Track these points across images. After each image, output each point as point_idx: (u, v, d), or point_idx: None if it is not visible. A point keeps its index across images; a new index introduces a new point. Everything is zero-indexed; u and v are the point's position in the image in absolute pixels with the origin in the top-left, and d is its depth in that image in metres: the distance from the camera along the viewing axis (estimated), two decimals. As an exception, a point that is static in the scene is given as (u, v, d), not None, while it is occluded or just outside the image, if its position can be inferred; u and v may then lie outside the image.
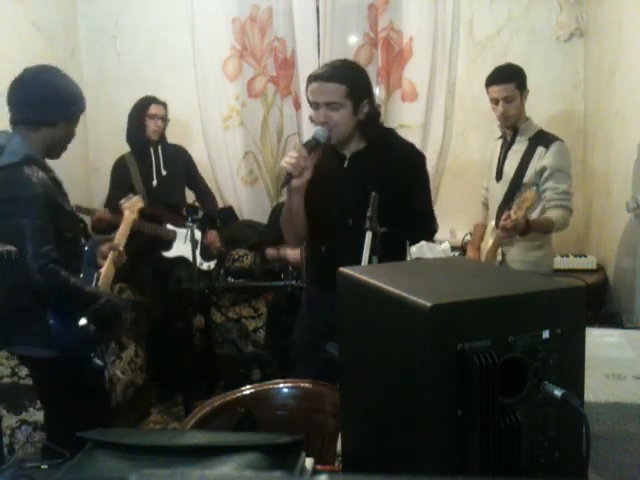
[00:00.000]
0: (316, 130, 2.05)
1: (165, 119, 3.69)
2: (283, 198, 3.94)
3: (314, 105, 2.05)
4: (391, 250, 1.86)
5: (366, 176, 2.07)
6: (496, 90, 2.79)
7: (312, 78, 2.05)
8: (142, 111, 3.63)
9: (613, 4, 3.32)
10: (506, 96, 2.76)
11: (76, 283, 2.00)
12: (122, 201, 2.81)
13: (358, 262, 2.00)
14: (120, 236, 2.51)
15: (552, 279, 2.53)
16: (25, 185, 1.90)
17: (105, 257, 2.29)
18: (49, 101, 2.00)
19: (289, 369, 2.47)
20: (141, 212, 2.91)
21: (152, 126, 3.63)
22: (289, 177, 1.98)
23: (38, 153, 2.01)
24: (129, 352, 3.39)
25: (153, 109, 3.63)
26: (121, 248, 2.37)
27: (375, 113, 2.12)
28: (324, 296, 2.20)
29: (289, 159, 1.98)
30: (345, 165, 2.14)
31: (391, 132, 2.25)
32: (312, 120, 2.12)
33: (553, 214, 2.67)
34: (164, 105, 3.68)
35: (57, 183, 2.05)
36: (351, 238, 2.09)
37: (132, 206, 2.79)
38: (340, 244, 2.09)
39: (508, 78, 2.77)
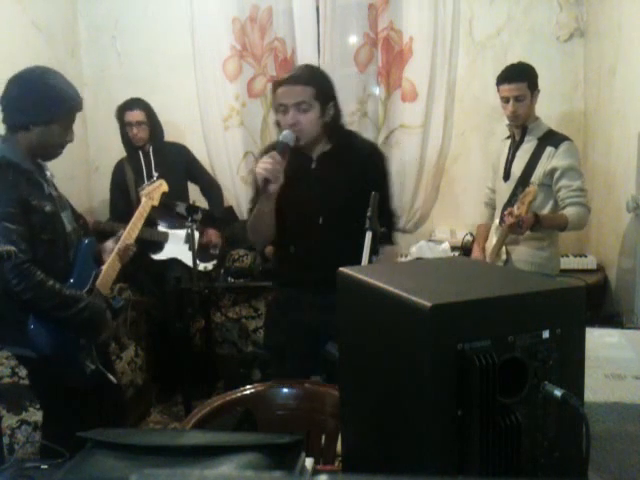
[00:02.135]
0: (284, 134, 2.08)
1: (146, 123, 3.60)
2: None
3: (282, 108, 2.11)
4: (356, 247, 1.95)
5: (334, 176, 2.17)
6: (507, 89, 2.77)
7: (279, 83, 2.13)
8: (120, 119, 3.62)
9: (613, 4, 3.31)
10: (517, 95, 2.74)
11: (53, 285, 1.96)
12: (141, 187, 2.70)
13: (329, 260, 2.08)
14: (132, 226, 2.40)
15: (552, 279, 2.52)
16: None
17: (110, 253, 2.26)
18: (20, 105, 1.98)
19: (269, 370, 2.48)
20: (164, 197, 2.74)
21: (130, 133, 3.61)
22: (266, 183, 2.01)
23: (20, 155, 2.00)
24: (129, 352, 3.39)
25: (127, 116, 3.59)
26: (129, 240, 2.31)
27: (339, 116, 2.21)
28: (298, 296, 2.24)
29: (265, 165, 2.01)
30: (313, 166, 2.20)
31: (353, 133, 2.33)
32: (278, 125, 2.18)
33: (568, 211, 2.63)
34: (143, 108, 3.60)
35: (37, 185, 2.03)
36: (321, 236, 2.19)
37: (152, 192, 2.63)
38: (310, 243, 2.16)
39: (520, 77, 2.75)
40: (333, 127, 2.17)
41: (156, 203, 2.66)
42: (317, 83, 2.12)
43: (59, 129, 2.04)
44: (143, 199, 2.60)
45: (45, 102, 1.99)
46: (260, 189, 2.05)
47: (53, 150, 2.09)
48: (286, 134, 2.08)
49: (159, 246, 3.64)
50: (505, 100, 2.80)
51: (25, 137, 2.01)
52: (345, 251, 2.18)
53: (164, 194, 2.75)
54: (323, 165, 2.19)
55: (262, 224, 2.17)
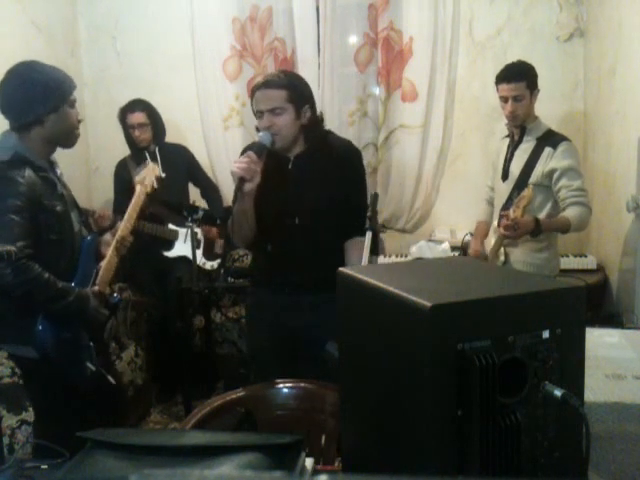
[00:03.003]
0: (260, 135, 2.14)
1: (148, 124, 3.60)
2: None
3: (259, 114, 2.15)
4: (333, 244, 2.14)
5: (311, 176, 2.19)
6: (505, 88, 2.75)
7: (255, 88, 2.16)
8: (123, 122, 3.63)
9: (613, 4, 3.31)
10: (515, 95, 2.73)
11: (48, 279, 1.95)
12: (136, 172, 2.62)
13: (305, 259, 2.18)
14: (128, 217, 2.36)
15: (552, 279, 2.52)
16: (7, 183, 1.90)
17: (109, 246, 2.25)
18: (25, 102, 1.97)
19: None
20: (159, 181, 2.56)
21: (133, 135, 3.61)
22: (242, 182, 2.03)
23: (34, 151, 2.00)
24: (129, 352, 3.39)
25: (130, 119, 3.59)
26: (125, 232, 2.27)
27: (317, 118, 2.23)
28: (275, 297, 2.23)
29: (240, 164, 2.04)
30: (289, 167, 2.22)
31: (330, 133, 2.33)
32: (258, 130, 2.21)
33: (569, 212, 2.60)
34: (144, 109, 3.59)
35: (50, 184, 2.03)
36: (297, 236, 2.21)
37: (145, 178, 2.49)
38: (286, 243, 2.17)
39: (518, 77, 2.74)
40: (310, 129, 2.19)
41: (149, 190, 2.49)
42: (290, 86, 2.13)
43: (69, 110, 2.05)
44: (137, 187, 2.47)
45: (47, 90, 1.99)
46: (236, 188, 2.07)
47: (72, 133, 2.09)
48: (263, 135, 2.12)
49: (170, 244, 3.66)
50: (504, 100, 2.78)
51: (40, 131, 2.00)
52: (323, 252, 2.18)
53: (158, 178, 2.55)
54: (299, 166, 2.21)
55: (241, 224, 2.19)
